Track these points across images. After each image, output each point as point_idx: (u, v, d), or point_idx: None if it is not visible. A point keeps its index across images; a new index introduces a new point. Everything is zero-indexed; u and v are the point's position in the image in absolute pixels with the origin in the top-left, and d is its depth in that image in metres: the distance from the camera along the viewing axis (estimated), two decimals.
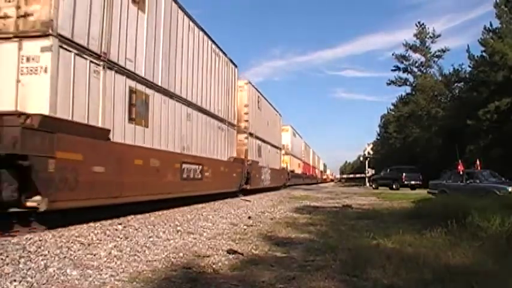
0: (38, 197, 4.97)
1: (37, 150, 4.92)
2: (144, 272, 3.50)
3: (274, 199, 14.45)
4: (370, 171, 41.07)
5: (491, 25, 24.81)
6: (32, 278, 3.13)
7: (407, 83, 37.29)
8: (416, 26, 36.44)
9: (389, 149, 42.30)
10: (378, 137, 50.40)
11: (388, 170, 29.35)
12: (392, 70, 37.63)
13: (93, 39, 6.24)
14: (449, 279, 3.14)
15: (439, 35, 35.84)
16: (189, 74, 10.14)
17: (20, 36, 5.35)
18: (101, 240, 4.74)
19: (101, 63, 6.45)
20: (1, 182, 4.58)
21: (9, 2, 5.42)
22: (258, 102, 18.08)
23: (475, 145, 22.90)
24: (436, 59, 35.52)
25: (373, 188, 29.64)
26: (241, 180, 14.70)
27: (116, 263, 3.79)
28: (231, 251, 4.36)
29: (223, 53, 12.91)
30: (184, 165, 9.48)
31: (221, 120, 12.71)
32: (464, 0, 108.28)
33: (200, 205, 10.16)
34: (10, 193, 4.71)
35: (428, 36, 35.85)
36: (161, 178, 8.31)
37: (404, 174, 26.86)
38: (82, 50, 5.99)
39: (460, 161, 14.43)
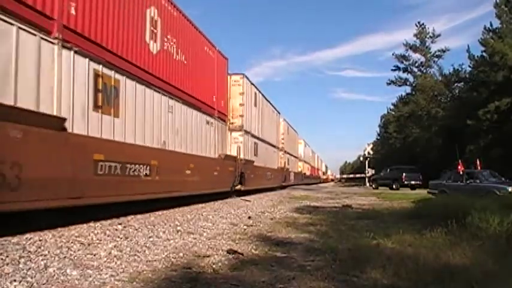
0: (239, 185, 14.43)
1: (245, 169, 15.09)
2: (144, 272, 3.50)
3: (274, 199, 14.46)
4: (370, 171, 41.11)
5: (491, 25, 24.86)
6: (32, 278, 3.13)
7: (407, 83, 37.36)
8: (416, 26, 36.49)
9: (389, 149, 42.28)
10: (378, 137, 50.44)
11: (388, 170, 29.34)
12: (392, 70, 37.72)
13: (249, 126, 15.91)
14: (449, 279, 3.14)
15: (439, 35, 35.91)
16: (267, 125, 20.02)
17: (230, 130, 14.33)
18: (101, 240, 4.74)
19: (249, 135, 15.95)
20: (240, 181, 14.48)
21: (226, 117, 13.88)
22: (288, 130, 28.62)
23: (475, 145, 22.91)
24: (436, 59, 35.59)
25: (373, 188, 29.63)
26: (282, 180, 24.87)
27: (116, 263, 3.79)
28: (231, 251, 4.36)
29: (274, 107, 22.85)
30: (267, 172, 19.83)
31: (274, 146, 22.42)
32: (464, 0, 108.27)
33: (200, 205, 10.23)
34: (237, 183, 14.25)
35: (428, 36, 35.89)
36: (263, 179, 18.95)
37: (404, 174, 26.86)
38: (248, 132, 15.70)
39: (460, 161, 14.45)
